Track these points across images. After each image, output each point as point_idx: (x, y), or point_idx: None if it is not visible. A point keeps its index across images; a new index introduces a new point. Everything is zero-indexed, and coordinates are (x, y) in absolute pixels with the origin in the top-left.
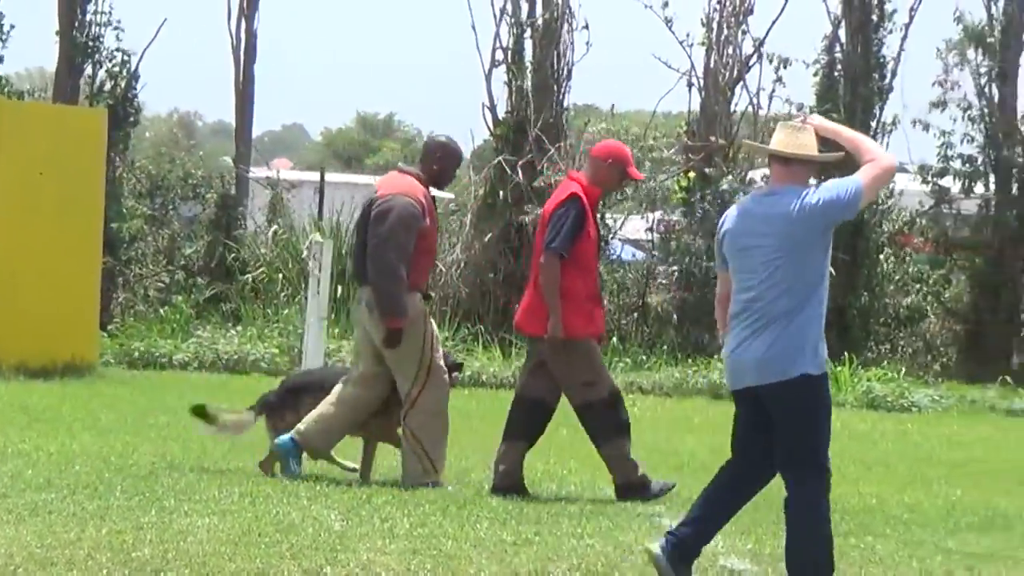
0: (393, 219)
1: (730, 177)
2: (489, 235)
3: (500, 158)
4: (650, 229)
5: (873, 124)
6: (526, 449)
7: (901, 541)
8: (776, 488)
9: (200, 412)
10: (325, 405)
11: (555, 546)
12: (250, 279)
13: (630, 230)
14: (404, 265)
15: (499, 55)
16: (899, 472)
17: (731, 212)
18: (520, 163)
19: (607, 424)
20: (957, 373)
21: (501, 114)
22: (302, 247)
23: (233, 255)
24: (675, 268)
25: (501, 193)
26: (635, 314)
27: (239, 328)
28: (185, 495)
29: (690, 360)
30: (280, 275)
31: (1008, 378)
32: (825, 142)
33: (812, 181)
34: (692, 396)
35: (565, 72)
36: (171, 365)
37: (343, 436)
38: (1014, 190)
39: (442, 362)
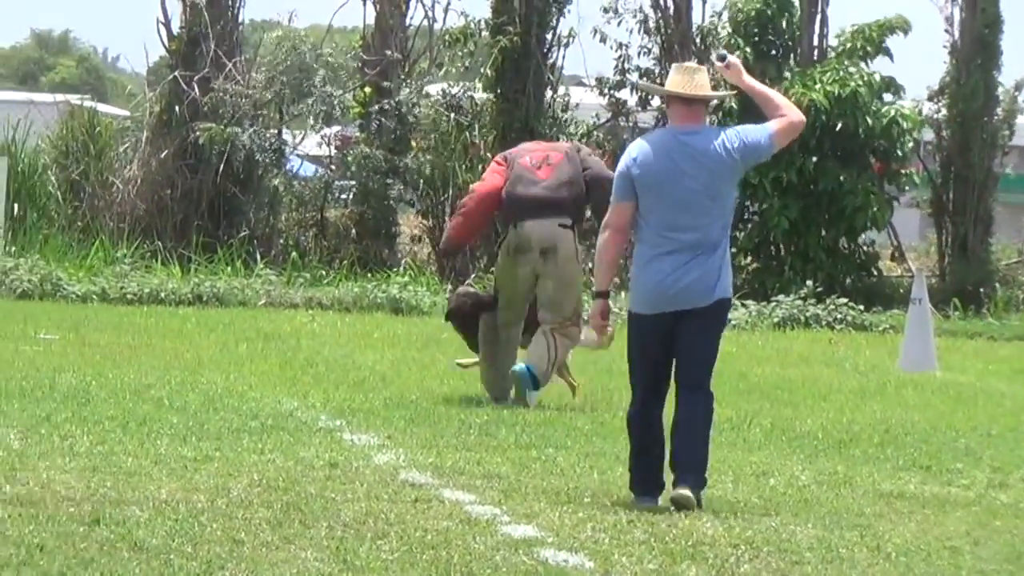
0: None
1: (407, 91)
2: (165, 151)
3: (175, 74)
4: (327, 143)
5: (549, 36)
6: None
7: (582, 453)
8: (464, 405)
9: None
10: None
11: (236, 462)
12: None
13: (307, 145)
14: None
15: None
16: (580, 384)
17: (642, 147)
18: (196, 79)
19: None
20: None
21: (176, 29)
22: None
23: None
24: (353, 183)
25: (177, 109)
26: (313, 229)
27: None
28: None
29: (369, 275)
30: None
31: None
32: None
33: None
34: (372, 311)
35: None
36: None
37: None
38: None
39: None
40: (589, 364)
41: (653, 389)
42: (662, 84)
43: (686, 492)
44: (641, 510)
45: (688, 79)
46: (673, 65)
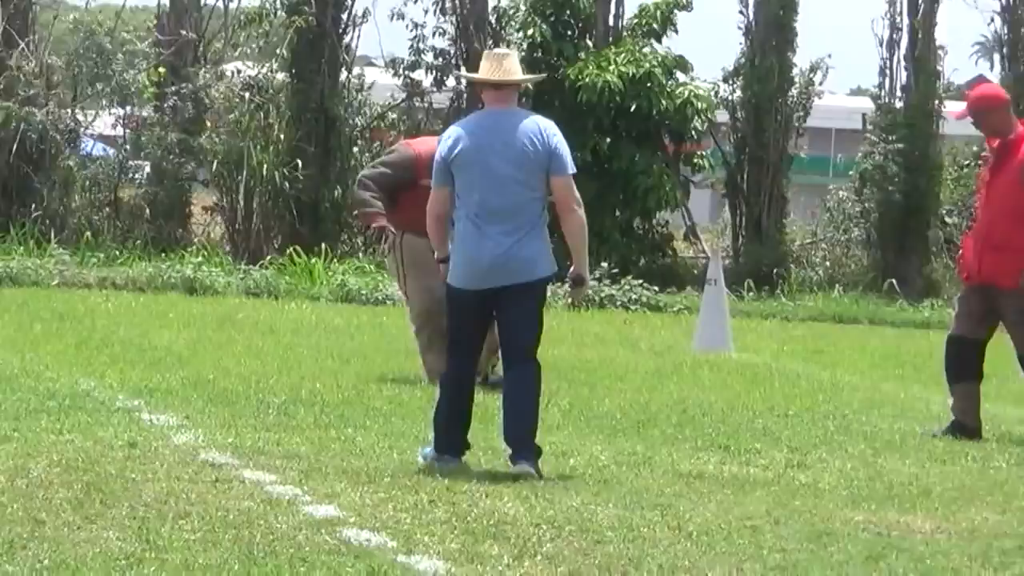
0: None
1: (204, 72)
2: None
3: None
4: (122, 124)
5: (345, 16)
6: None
7: (381, 433)
8: (261, 386)
9: None
10: None
11: (34, 442)
12: None
13: (100, 125)
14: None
15: None
16: (376, 364)
17: (457, 129)
18: None
19: None
20: None
21: None
22: None
23: None
24: (146, 163)
25: None
26: (107, 209)
27: None
28: None
29: (163, 254)
30: None
31: None
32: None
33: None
34: (166, 291)
35: None
36: None
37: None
38: None
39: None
40: (384, 344)
41: (467, 355)
42: (460, 66)
43: (525, 468)
44: (441, 489)
45: (497, 65)
46: (484, 53)
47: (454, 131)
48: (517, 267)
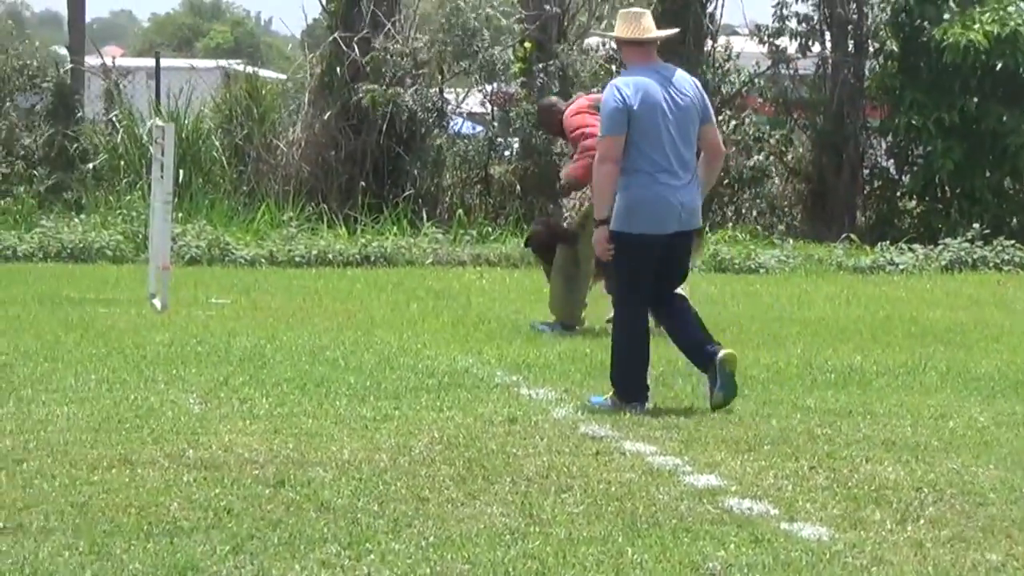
0: None
1: (567, 46)
2: (328, 113)
3: (335, 35)
4: (490, 101)
5: None
6: None
7: (759, 401)
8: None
9: None
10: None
11: (415, 420)
12: (91, 167)
13: (469, 103)
14: None
15: None
16: (752, 333)
17: (633, 82)
18: (355, 39)
19: None
20: (802, 232)
21: None
22: (142, 133)
23: (75, 145)
24: (516, 139)
25: (338, 70)
26: (478, 186)
27: (83, 217)
28: (42, 384)
29: None
30: (122, 162)
31: (853, 236)
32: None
33: None
34: (539, 267)
35: None
36: (15, 257)
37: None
38: (850, 47)
39: None
40: (759, 312)
41: (647, 302)
42: (824, 31)
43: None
44: (821, 456)
45: (636, 23)
46: (619, 13)
47: (630, 81)
48: (694, 213)
